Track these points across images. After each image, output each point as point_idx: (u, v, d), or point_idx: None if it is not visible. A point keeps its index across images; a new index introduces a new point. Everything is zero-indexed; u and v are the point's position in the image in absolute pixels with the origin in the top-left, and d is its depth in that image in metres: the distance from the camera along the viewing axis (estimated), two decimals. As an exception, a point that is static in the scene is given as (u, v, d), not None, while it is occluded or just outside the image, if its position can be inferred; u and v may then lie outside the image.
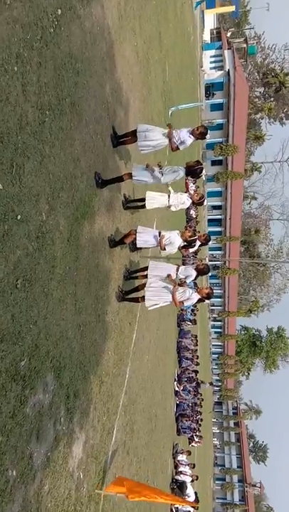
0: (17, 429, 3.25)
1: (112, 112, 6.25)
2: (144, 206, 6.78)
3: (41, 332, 3.71)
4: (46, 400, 3.81)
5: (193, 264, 10.96)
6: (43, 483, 3.71)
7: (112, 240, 6.18)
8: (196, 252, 13.14)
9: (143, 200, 6.77)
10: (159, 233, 6.52)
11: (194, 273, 6.90)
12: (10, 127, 3.23)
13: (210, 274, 34.73)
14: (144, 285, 6.61)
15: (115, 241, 6.25)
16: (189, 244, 6.84)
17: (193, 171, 6.35)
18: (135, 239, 6.38)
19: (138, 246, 6.65)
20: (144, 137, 6.07)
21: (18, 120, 3.35)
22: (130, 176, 5.99)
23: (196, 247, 8.26)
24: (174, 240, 6.49)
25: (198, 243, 7.88)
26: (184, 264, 10.82)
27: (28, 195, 3.49)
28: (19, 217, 3.34)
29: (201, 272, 6.98)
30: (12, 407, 3.19)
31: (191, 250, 8.31)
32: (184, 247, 6.84)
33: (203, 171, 6.59)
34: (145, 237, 6.43)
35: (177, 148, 6.24)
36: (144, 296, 6.54)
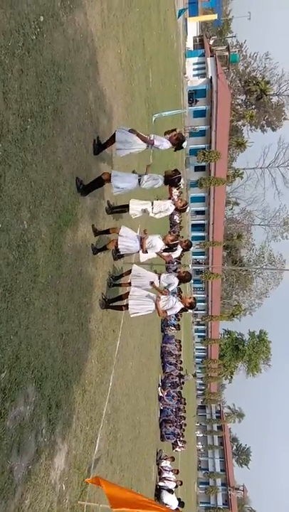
0: (-3, 443, 3.18)
1: (95, 119, 6.24)
2: (126, 210, 6.78)
3: (22, 343, 3.64)
4: (27, 411, 3.73)
5: (176, 270, 11.01)
6: (24, 497, 3.63)
7: (94, 248, 6.15)
8: (179, 258, 13.19)
9: (126, 206, 6.77)
10: (141, 238, 6.51)
11: (176, 280, 6.92)
12: (-10, 135, 3.18)
13: (193, 278, 34.96)
14: (127, 294, 6.59)
15: (97, 248, 6.22)
16: (171, 248, 6.86)
17: (171, 181, 6.38)
18: (117, 244, 6.35)
19: (121, 253, 6.63)
20: (123, 142, 6.09)
21: (-1, 128, 3.30)
22: (109, 176, 5.95)
23: (178, 253, 8.29)
24: (156, 243, 6.50)
25: (180, 248, 7.91)
26: (167, 269, 10.83)
27: (8, 204, 3.44)
28: None
29: (182, 279, 7.00)
30: (-8, 421, 3.12)
31: (174, 256, 8.32)
32: (165, 250, 6.84)
33: (182, 180, 6.63)
34: (127, 243, 6.41)
35: (153, 144, 6.27)
36: (127, 305, 6.51)
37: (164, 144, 6.41)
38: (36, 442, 3.90)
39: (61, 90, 4.72)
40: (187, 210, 10.13)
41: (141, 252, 6.55)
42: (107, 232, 6.43)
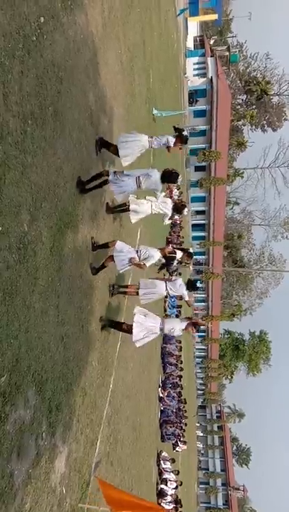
0: (-3, 448, 3.16)
1: (95, 119, 6.21)
2: (127, 210, 6.76)
3: (22, 346, 3.62)
4: (27, 415, 3.71)
5: (176, 270, 11.01)
6: (24, 502, 3.61)
7: (93, 268, 6.09)
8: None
9: (125, 205, 6.76)
10: (137, 251, 6.45)
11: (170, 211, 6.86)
12: (-10, 138, 3.16)
13: (193, 278, 34.93)
14: (129, 326, 6.54)
15: (96, 268, 6.13)
16: (168, 260, 6.88)
17: (168, 176, 6.31)
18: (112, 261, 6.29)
19: (120, 271, 6.53)
20: (125, 146, 6.08)
21: (-1, 130, 3.27)
22: (108, 173, 5.95)
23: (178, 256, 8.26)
24: (153, 253, 6.51)
25: (179, 253, 7.92)
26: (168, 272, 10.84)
27: (8, 207, 3.42)
28: (0, 228, 3.26)
29: (178, 209, 6.95)
30: (-8, 426, 3.09)
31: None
32: (164, 263, 6.88)
33: (180, 178, 6.68)
34: (123, 257, 6.31)
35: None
36: (130, 326, 6.50)
37: (170, 143, 6.47)
38: (36, 446, 3.88)
39: (61, 91, 4.70)
40: (185, 212, 10.11)
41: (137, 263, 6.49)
42: (105, 246, 6.30)
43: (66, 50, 4.87)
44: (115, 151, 6.15)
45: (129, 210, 6.69)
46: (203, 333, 51.69)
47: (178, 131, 6.96)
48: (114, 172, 5.98)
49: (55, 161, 4.52)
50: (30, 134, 3.83)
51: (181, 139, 6.94)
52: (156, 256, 6.49)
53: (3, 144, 3.34)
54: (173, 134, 6.87)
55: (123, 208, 6.98)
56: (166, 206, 6.87)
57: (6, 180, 3.37)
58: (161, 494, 12.91)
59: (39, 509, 3.89)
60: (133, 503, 5.00)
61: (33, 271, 3.90)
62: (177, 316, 16.94)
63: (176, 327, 6.60)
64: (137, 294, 7.04)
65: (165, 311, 17.98)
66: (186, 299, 7.97)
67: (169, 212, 7.11)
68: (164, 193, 6.46)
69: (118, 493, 5.20)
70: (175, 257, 7.09)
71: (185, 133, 7.16)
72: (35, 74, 3.96)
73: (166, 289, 7.04)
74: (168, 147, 6.81)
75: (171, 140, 6.71)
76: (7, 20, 3.43)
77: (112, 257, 6.22)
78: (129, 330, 6.46)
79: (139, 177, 6.01)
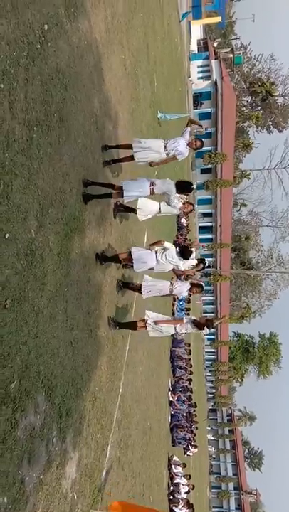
0: (7, 454, 3.16)
1: (100, 125, 6.25)
2: (134, 210, 6.80)
3: (31, 352, 3.63)
4: (38, 421, 3.71)
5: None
6: (35, 508, 3.60)
7: (121, 282, 6.37)
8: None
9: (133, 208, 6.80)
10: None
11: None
12: (-3, 145, 3.18)
13: (201, 280, 34.83)
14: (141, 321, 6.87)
15: (124, 282, 6.59)
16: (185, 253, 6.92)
17: (183, 187, 6.32)
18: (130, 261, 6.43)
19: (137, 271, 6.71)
20: (141, 149, 6.14)
21: (5, 138, 3.30)
22: (120, 190, 5.99)
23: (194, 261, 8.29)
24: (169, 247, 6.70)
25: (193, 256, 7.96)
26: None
27: (16, 213, 3.44)
28: (7, 235, 3.28)
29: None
30: (2, 432, 3.10)
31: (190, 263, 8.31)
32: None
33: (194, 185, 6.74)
34: (143, 260, 6.48)
35: (174, 158, 6.34)
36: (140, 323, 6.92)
37: (182, 151, 6.38)
38: (47, 452, 3.87)
39: (66, 98, 4.73)
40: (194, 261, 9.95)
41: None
42: (115, 259, 6.43)
43: (70, 57, 4.91)
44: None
45: (136, 210, 6.71)
46: (212, 336, 51.44)
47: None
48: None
49: (62, 167, 4.54)
50: (36, 140, 3.86)
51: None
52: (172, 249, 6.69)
53: (9, 152, 3.36)
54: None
55: (129, 210, 7.02)
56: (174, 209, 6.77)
57: (13, 187, 3.39)
58: (173, 499, 12.82)
59: (51, 515, 3.88)
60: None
61: (41, 276, 3.91)
62: None
63: (184, 288, 6.95)
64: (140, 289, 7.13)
65: (173, 314, 17.94)
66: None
67: (176, 212, 7.09)
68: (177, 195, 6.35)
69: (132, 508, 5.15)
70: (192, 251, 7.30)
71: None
72: (40, 81, 4.00)
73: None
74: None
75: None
76: (11, 28, 3.46)
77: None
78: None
79: (153, 182, 6.13)
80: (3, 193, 3.23)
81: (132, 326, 7.11)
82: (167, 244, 6.72)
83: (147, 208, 6.61)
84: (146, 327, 6.99)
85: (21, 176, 3.56)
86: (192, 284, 7.28)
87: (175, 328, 7.05)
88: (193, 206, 7.43)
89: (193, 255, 8.09)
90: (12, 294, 3.33)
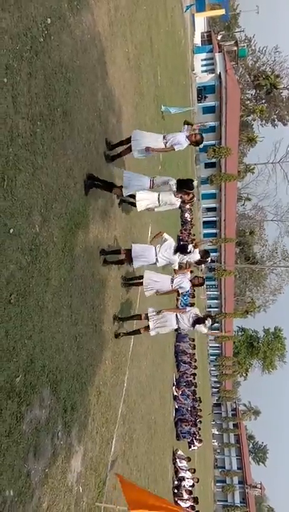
0: (13, 448, 3.18)
1: (104, 119, 6.22)
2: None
3: (36, 346, 3.64)
4: (43, 415, 3.74)
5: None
6: (41, 501, 3.63)
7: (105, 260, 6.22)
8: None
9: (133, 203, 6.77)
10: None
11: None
12: (0, 140, 3.18)
13: (206, 276, 34.80)
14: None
15: (108, 252, 6.28)
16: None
17: (184, 185, 6.26)
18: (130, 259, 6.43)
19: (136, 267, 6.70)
20: (139, 143, 6.07)
21: (8, 132, 3.29)
22: (121, 189, 6.00)
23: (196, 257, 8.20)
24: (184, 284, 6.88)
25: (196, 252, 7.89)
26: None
27: (20, 208, 3.44)
28: (12, 230, 3.29)
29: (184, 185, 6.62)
30: (8, 426, 3.12)
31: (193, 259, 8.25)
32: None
33: (194, 183, 6.60)
34: (143, 256, 6.49)
35: (172, 148, 6.26)
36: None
37: (180, 141, 6.34)
38: (52, 445, 3.90)
39: (70, 92, 4.71)
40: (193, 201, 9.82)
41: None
42: (118, 263, 6.59)
43: (73, 51, 4.88)
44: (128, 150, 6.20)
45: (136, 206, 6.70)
46: (217, 331, 51.43)
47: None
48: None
49: (65, 162, 4.53)
50: (39, 135, 3.85)
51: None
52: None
53: (13, 146, 3.36)
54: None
55: (131, 202, 7.01)
56: (172, 199, 6.66)
57: (17, 182, 3.39)
58: (177, 492, 12.90)
59: (56, 508, 3.91)
60: (152, 506, 4.97)
61: (46, 271, 3.92)
62: None
63: (184, 280, 6.98)
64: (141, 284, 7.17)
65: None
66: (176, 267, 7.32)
67: (176, 205, 7.04)
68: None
69: (138, 492, 5.18)
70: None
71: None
72: (43, 75, 3.98)
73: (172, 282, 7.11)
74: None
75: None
76: (14, 22, 3.44)
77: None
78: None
79: (152, 180, 6.10)
80: (7, 188, 3.23)
81: (136, 332, 7.23)
82: (166, 236, 6.69)
83: (146, 197, 6.55)
84: (148, 328, 6.99)
85: (25, 171, 3.55)
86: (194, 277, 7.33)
87: (177, 320, 7.01)
88: (194, 195, 7.32)
89: (196, 250, 8.01)
90: (17, 289, 3.34)
